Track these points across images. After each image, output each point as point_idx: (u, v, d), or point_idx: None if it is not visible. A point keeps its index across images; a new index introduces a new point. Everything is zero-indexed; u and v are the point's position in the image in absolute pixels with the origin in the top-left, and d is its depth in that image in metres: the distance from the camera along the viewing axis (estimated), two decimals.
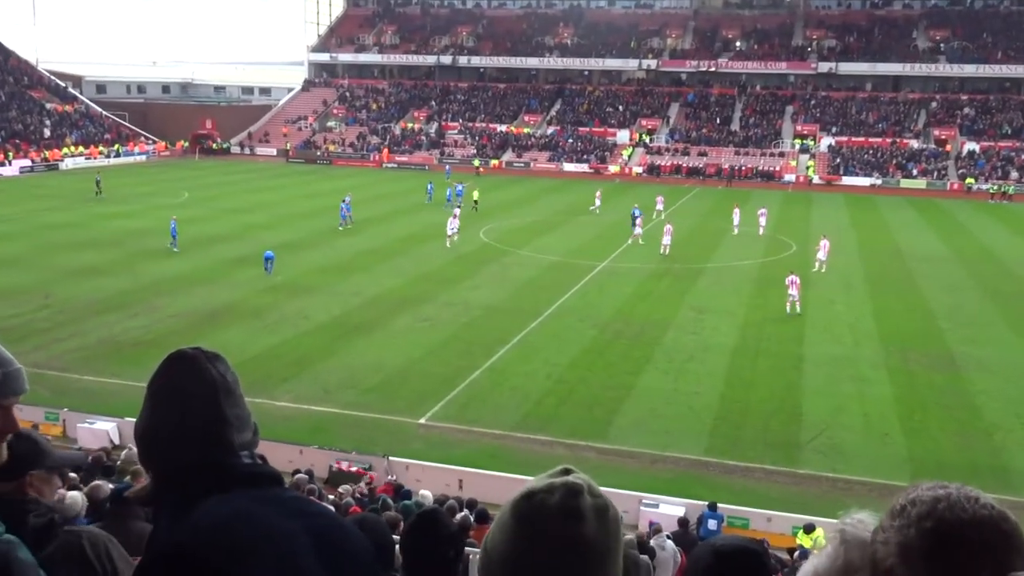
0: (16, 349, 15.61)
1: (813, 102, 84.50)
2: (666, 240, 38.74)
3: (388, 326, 26.91)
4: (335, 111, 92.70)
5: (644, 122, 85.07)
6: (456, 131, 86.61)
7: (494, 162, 79.54)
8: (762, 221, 45.40)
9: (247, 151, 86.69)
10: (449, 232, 38.43)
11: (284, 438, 18.19)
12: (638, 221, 42.07)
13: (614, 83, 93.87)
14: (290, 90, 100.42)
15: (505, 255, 38.27)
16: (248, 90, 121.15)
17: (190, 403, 1.84)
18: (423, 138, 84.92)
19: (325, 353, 24.35)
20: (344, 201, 43.69)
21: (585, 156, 79.85)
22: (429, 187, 53.84)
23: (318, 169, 75.43)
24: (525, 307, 29.64)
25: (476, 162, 76.00)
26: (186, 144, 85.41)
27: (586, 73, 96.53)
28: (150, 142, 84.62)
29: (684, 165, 76.53)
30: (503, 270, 34.96)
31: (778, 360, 24.68)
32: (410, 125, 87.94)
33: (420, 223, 45.84)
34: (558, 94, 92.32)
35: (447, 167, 71.12)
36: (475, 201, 49.51)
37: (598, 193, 52.10)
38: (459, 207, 46.93)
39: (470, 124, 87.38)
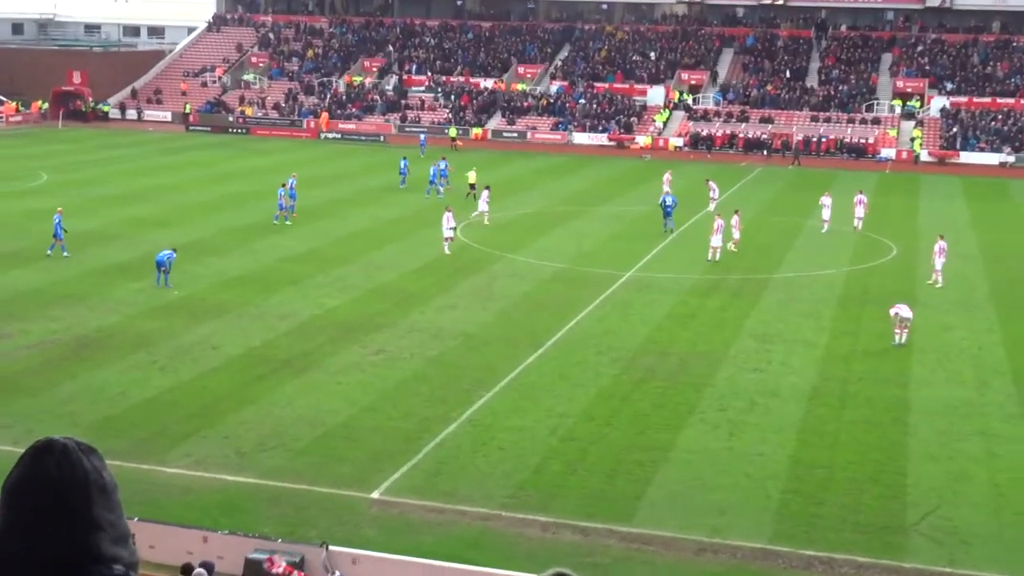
0: None
1: (920, 48, 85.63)
2: (715, 241, 39.18)
3: (328, 363, 27.21)
4: (254, 60, 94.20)
5: (685, 76, 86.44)
6: (423, 88, 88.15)
7: (476, 131, 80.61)
8: (859, 212, 45.78)
9: (131, 115, 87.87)
10: (446, 233, 38.61)
11: (181, 519, 18.15)
12: (668, 211, 42.81)
13: (643, 21, 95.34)
14: (191, 30, 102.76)
15: (492, 261, 38.74)
16: (132, 30, 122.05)
17: (55, 503, 1.93)
18: (376, 98, 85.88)
19: (239, 400, 24.50)
20: (286, 185, 44.17)
21: (603, 124, 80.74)
22: (403, 164, 54.63)
23: (231, 141, 77.09)
24: (519, 335, 29.82)
25: (451, 131, 76.77)
26: (44, 106, 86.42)
27: (604, 6, 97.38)
28: None
29: (740, 135, 77.34)
30: (489, 282, 35.50)
31: (873, 409, 24.84)
32: (358, 79, 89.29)
33: (379, 216, 46.44)
34: (565, 37, 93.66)
35: (421, 136, 71.92)
36: (471, 186, 50.15)
37: (667, 177, 51.64)
38: (441, 187, 49.39)
39: (443, 78, 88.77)
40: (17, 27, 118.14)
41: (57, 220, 37.27)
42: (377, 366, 26.84)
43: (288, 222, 43.81)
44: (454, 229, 39.36)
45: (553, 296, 33.95)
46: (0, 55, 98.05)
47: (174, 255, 33.68)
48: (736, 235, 40.57)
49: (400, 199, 51.32)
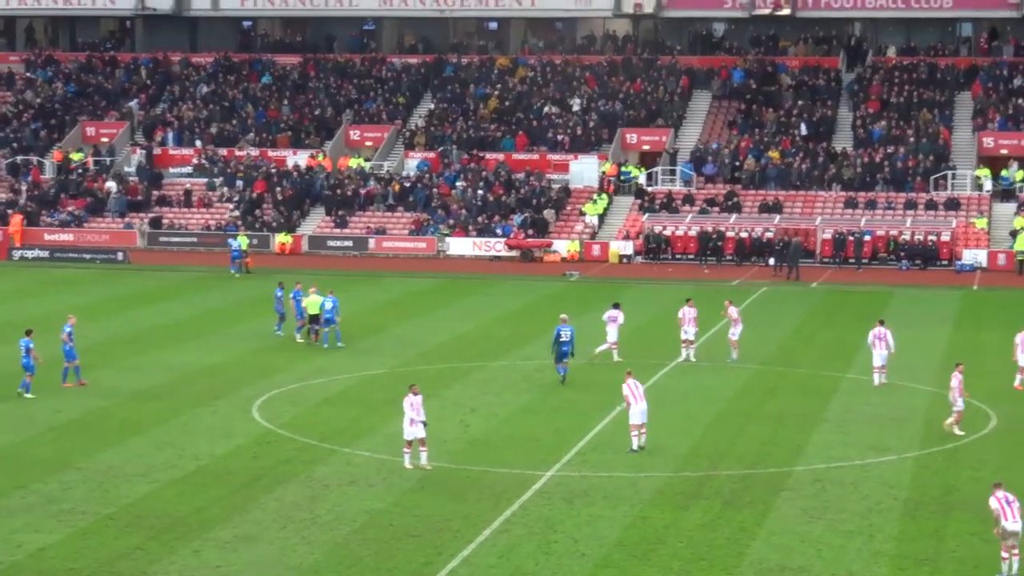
0: None
1: (1019, 83, 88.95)
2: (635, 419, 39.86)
3: None
4: None
5: (633, 137, 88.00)
6: (189, 168, 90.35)
7: (283, 240, 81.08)
8: (878, 357, 47.90)
9: None
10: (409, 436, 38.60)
11: None
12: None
13: (559, 49, 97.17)
14: None
15: (316, 460, 39.30)
16: None
17: None
18: (111, 187, 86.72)
19: None
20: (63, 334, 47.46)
21: (498, 221, 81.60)
22: (277, 295, 58.47)
23: None
24: None
25: (241, 239, 77.19)
26: None
27: (492, 26, 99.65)
28: None
29: (729, 234, 78.90)
30: (312, 498, 35.41)
31: None
32: (77, 157, 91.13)
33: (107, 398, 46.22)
34: (429, 77, 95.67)
35: (233, 244, 75.49)
36: (312, 318, 56.24)
37: (688, 314, 53.02)
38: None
39: (222, 152, 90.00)
40: None
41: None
42: None
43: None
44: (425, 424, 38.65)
45: (420, 516, 34.11)
46: None
47: None
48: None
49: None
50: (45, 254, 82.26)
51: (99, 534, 33.45)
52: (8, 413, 45.32)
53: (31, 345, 46.70)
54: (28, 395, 46.46)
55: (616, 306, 53.10)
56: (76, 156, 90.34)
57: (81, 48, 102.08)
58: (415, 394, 38.49)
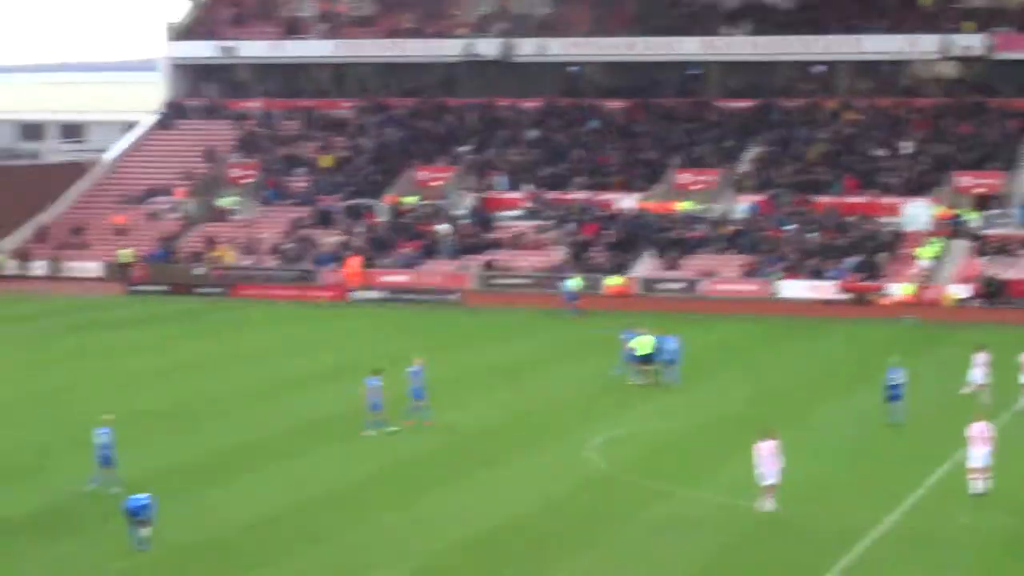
0: None
1: None
2: None
3: None
4: (236, 173, 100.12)
5: (966, 179, 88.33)
6: (519, 211, 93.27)
7: (613, 282, 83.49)
8: None
9: (38, 269, 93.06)
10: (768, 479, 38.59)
11: None
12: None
13: (885, 93, 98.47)
14: (128, 127, 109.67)
15: (649, 502, 40.13)
16: (32, 130, 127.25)
17: None
18: (436, 229, 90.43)
19: None
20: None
21: (830, 264, 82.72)
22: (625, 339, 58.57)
23: (197, 308, 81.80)
24: None
25: (575, 281, 79.46)
26: None
27: (821, 69, 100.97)
28: None
29: None
30: (647, 537, 36.65)
31: None
32: (409, 201, 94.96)
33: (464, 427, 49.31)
34: (755, 123, 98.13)
35: (567, 285, 78.88)
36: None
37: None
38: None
39: (550, 195, 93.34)
40: None
41: (104, 435, 40.61)
42: None
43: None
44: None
45: (759, 562, 34.54)
46: None
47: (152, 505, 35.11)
48: None
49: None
50: (382, 295, 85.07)
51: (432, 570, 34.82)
52: (348, 452, 46.87)
53: (378, 383, 48.54)
54: (372, 433, 48.33)
55: (981, 348, 53.38)
56: (409, 200, 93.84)
57: (410, 94, 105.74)
58: (770, 439, 38.31)
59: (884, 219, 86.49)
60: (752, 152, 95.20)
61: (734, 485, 40.53)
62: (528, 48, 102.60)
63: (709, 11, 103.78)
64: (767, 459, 38.33)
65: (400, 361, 51.95)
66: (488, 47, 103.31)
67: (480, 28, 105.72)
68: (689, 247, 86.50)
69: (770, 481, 38.23)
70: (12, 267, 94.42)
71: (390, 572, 34.14)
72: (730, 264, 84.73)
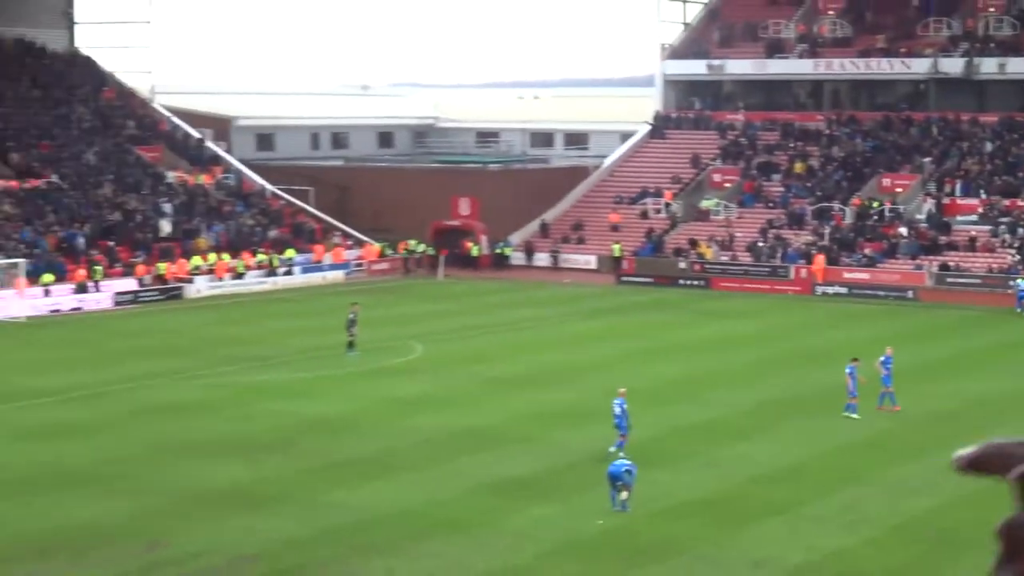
0: None
1: None
2: None
3: None
4: (717, 178, 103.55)
5: None
6: (973, 217, 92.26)
7: None
8: None
9: (541, 260, 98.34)
10: None
11: None
12: None
13: None
14: (625, 137, 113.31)
15: None
16: (542, 138, 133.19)
17: None
18: (901, 232, 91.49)
19: None
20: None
21: None
22: None
23: (680, 298, 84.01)
24: None
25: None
26: (417, 248, 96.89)
27: None
28: (352, 244, 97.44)
29: None
30: None
31: None
32: (874, 205, 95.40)
33: (909, 416, 49.15)
34: None
35: (1021, 284, 77.81)
36: None
37: None
38: None
39: (1003, 202, 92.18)
40: (385, 137, 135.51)
41: (619, 406, 42.59)
42: None
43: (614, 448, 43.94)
44: None
45: None
46: (363, 178, 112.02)
47: (635, 470, 36.44)
48: None
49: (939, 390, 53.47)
50: (843, 291, 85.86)
51: (883, 544, 34.65)
52: (820, 429, 46.96)
53: (854, 370, 48.62)
54: (854, 415, 48.03)
55: None
56: (872, 204, 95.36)
57: (879, 108, 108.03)
58: None
59: None
60: None
61: None
62: (989, 67, 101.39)
63: None
64: None
65: (856, 350, 52.08)
66: (952, 65, 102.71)
67: (945, 48, 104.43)
68: None
69: None
70: (519, 258, 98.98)
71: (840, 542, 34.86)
72: None
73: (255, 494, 39.06)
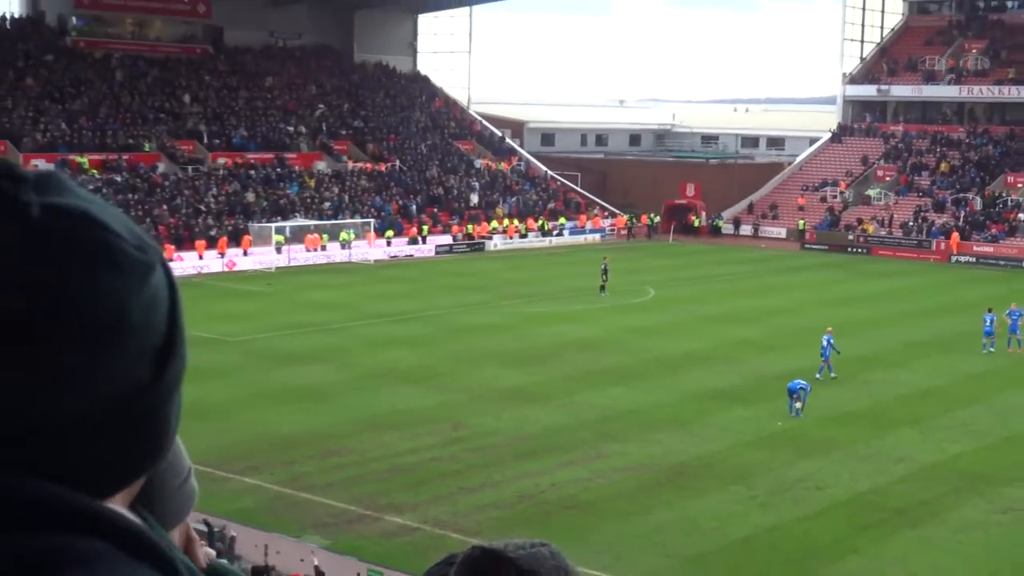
0: (411, 498, 34.15)
1: None
2: None
3: (947, 517, 30.35)
4: (880, 173, 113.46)
5: None
6: None
7: None
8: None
9: (745, 231, 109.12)
10: None
11: None
12: None
13: None
14: (812, 141, 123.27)
15: None
16: (750, 141, 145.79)
17: None
18: (1021, 216, 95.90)
19: (843, 550, 27.97)
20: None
21: None
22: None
23: (847, 262, 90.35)
24: None
25: None
26: (655, 219, 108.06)
27: None
28: (607, 215, 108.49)
29: None
30: None
31: None
32: (1000, 194, 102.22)
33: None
34: None
35: None
36: None
37: None
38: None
39: None
40: (635, 138, 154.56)
41: (826, 340, 45.70)
42: (1004, 527, 29.55)
43: (818, 376, 45.02)
44: None
45: None
46: (617, 167, 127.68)
47: (809, 388, 39.88)
48: None
49: None
50: (972, 260, 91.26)
51: (995, 449, 35.70)
52: (951, 362, 48.15)
53: (991, 317, 50.89)
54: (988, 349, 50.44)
55: None
56: (1000, 194, 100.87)
57: (1007, 124, 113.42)
58: None
59: None
60: None
61: None
62: None
63: None
64: None
65: (988, 305, 53.34)
66: None
67: None
68: None
69: None
70: (728, 229, 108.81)
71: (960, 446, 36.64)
72: None
73: (530, 392, 43.66)
